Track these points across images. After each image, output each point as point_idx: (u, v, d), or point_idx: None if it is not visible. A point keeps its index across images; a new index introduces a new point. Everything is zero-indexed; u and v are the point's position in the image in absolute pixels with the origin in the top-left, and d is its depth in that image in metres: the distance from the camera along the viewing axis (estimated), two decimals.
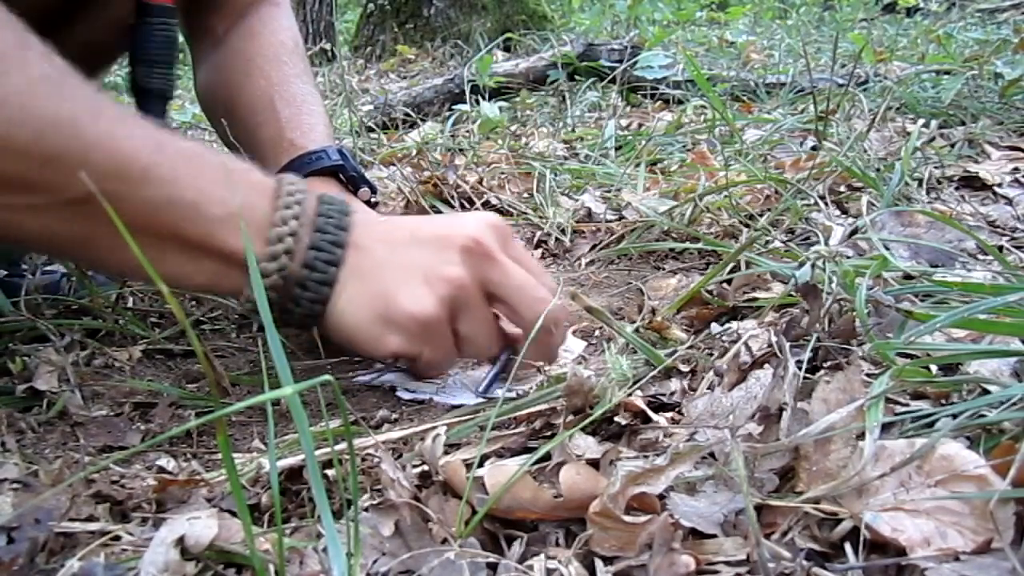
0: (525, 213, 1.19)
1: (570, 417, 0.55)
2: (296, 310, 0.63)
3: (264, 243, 0.61)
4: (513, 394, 0.65)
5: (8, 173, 0.56)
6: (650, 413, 0.56)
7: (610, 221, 1.13)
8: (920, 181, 1.08)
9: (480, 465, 0.50)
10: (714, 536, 0.44)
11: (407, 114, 1.99)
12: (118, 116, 0.60)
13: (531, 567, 0.43)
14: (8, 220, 0.58)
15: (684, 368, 0.64)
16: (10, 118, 0.54)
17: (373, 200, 0.88)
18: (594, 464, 0.50)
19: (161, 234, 0.60)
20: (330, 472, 0.52)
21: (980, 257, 0.82)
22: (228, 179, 0.62)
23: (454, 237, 0.64)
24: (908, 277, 0.72)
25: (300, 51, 0.99)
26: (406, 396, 0.70)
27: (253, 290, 0.60)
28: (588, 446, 0.52)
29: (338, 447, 0.55)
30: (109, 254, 0.61)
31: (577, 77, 2.19)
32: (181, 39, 0.98)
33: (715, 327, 0.71)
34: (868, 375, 0.53)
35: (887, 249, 0.73)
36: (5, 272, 0.91)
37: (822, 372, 0.54)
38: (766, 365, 0.59)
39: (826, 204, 1.01)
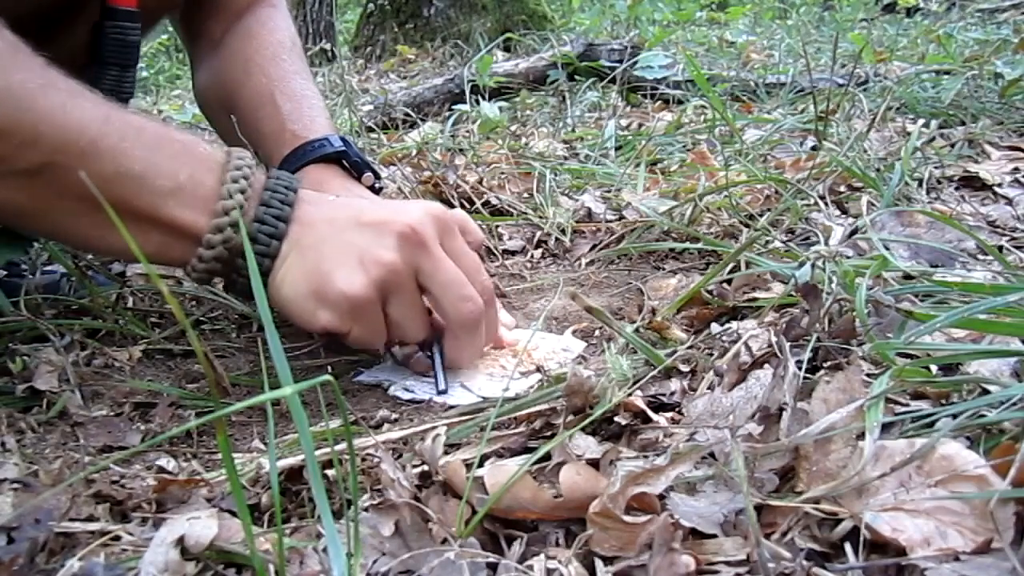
0: (525, 213, 1.19)
1: (570, 417, 0.55)
2: (239, 280, 0.66)
3: (211, 215, 0.63)
4: (512, 394, 0.65)
5: None
6: (650, 413, 0.56)
7: (610, 221, 1.13)
8: (920, 181, 1.08)
9: (480, 465, 0.50)
10: (714, 536, 0.44)
11: (407, 114, 1.99)
12: (68, 89, 0.61)
13: (531, 567, 0.43)
14: None
15: (684, 368, 0.64)
16: None
17: (377, 185, 0.89)
18: (594, 464, 0.50)
19: (110, 206, 0.60)
20: (330, 472, 0.52)
21: (980, 257, 0.82)
22: (176, 152, 0.64)
23: (394, 223, 0.66)
24: (908, 277, 0.72)
25: (298, 50, 1.00)
26: (405, 396, 0.70)
27: (199, 261, 0.63)
28: (588, 446, 0.52)
29: (338, 447, 0.55)
30: (60, 225, 0.64)
31: (577, 77, 2.19)
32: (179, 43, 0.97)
33: (715, 327, 0.71)
34: (868, 375, 0.53)
35: (887, 249, 0.73)
36: (5, 272, 0.91)
37: (822, 372, 0.54)
38: (766, 365, 0.59)
39: (826, 204, 1.01)
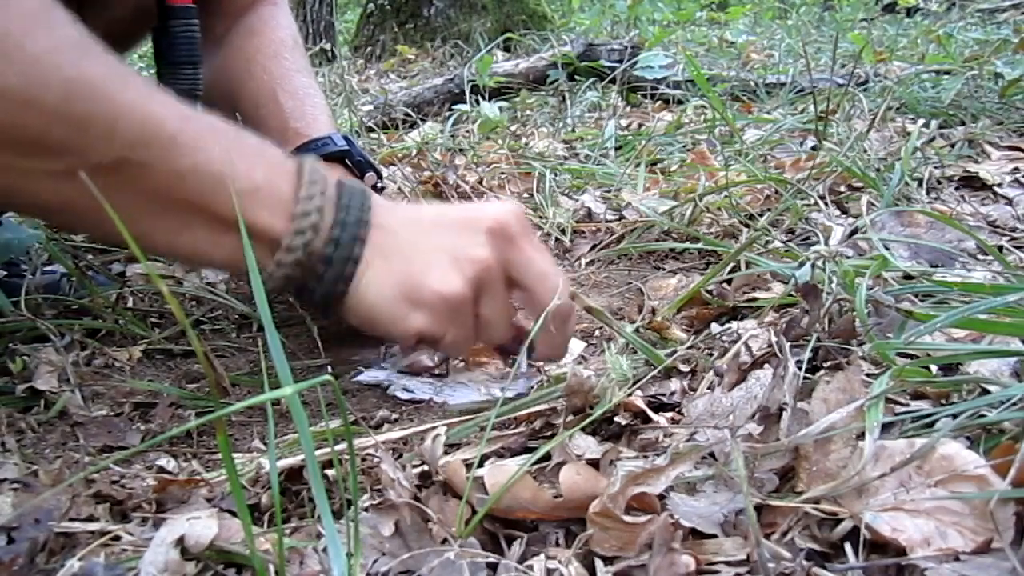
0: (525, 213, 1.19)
1: (570, 417, 0.55)
2: (317, 288, 0.62)
3: (289, 219, 0.61)
4: (512, 394, 0.65)
5: (31, 135, 0.54)
6: (650, 413, 0.56)
7: (610, 221, 1.13)
8: (920, 181, 1.08)
9: (480, 465, 0.50)
10: (714, 536, 0.44)
11: (407, 114, 1.99)
12: (144, 83, 0.59)
13: (531, 567, 0.43)
14: (23, 187, 0.56)
15: (684, 368, 0.64)
16: (39, 77, 0.53)
17: (379, 185, 0.89)
18: (594, 464, 0.50)
19: (185, 206, 0.59)
20: (330, 472, 0.52)
21: (980, 257, 0.82)
22: (252, 153, 0.62)
23: (481, 220, 0.64)
24: (908, 277, 0.72)
25: (300, 48, 1.00)
26: (404, 396, 0.70)
27: (277, 267, 0.60)
28: (588, 446, 0.52)
29: (338, 447, 0.55)
30: (127, 224, 0.59)
31: (577, 77, 2.19)
32: None
33: (715, 327, 0.71)
34: (868, 375, 0.53)
35: (887, 249, 0.73)
36: (5, 272, 0.91)
37: (822, 372, 0.54)
38: (766, 365, 0.59)
39: (826, 204, 1.01)
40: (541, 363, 0.71)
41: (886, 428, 0.48)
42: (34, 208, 0.62)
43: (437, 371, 0.74)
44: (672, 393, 0.61)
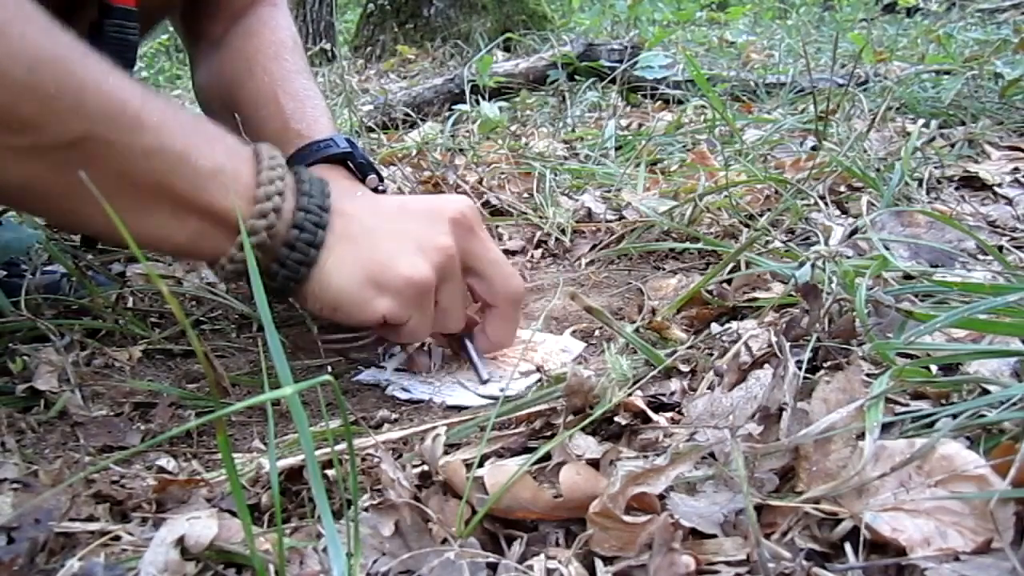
0: (525, 213, 1.19)
1: (570, 417, 0.55)
2: (280, 271, 0.63)
3: (251, 201, 0.61)
4: (513, 392, 0.65)
5: (0, 110, 0.53)
6: (650, 413, 0.56)
7: (610, 221, 1.13)
8: (920, 181, 1.08)
9: (480, 465, 0.50)
10: (714, 536, 0.44)
11: (407, 114, 1.99)
12: (104, 62, 0.59)
13: (531, 567, 0.43)
14: None
15: (684, 368, 0.64)
16: (7, 50, 0.52)
17: (380, 188, 0.89)
18: (594, 464, 0.50)
19: (147, 185, 0.58)
20: (330, 472, 0.52)
21: (980, 257, 0.82)
22: (211, 135, 0.62)
23: (444, 210, 0.67)
24: (908, 277, 0.72)
25: (299, 49, 1.00)
26: (403, 396, 0.70)
27: (238, 250, 0.60)
28: (588, 446, 0.52)
29: (338, 447, 0.55)
30: (86, 209, 0.59)
31: (577, 77, 2.19)
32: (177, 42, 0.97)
33: (715, 327, 0.71)
34: (868, 375, 0.53)
35: (887, 249, 0.73)
36: (5, 272, 0.91)
37: (822, 372, 0.54)
38: (766, 365, 0.59)
39: (826, 204, 1.01)
40: (494, 352, 0.74)
41: (886, 428, 0.48)
42: (2, 190, 0.61)
43: (435, 372, 0.74)
44: (672, 393, 0.61)
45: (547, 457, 0.51)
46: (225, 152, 0.62)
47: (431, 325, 0.68)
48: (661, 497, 0.46)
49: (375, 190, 0.88)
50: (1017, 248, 0.88)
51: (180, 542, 0.44)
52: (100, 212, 0.58)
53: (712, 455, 0.50)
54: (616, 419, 0.55)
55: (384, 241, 0.65)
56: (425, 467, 0.53)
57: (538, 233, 1.13)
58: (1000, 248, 0.86)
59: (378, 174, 0.89)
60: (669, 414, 0.58)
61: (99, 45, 0.84)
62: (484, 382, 0.70)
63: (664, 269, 0.98)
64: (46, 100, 0.54)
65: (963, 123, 1.46)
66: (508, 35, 3.30)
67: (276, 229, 0.62)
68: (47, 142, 0.55)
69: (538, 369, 0.71)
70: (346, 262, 0.64)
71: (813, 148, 1.32)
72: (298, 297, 0.66)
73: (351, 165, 0.87)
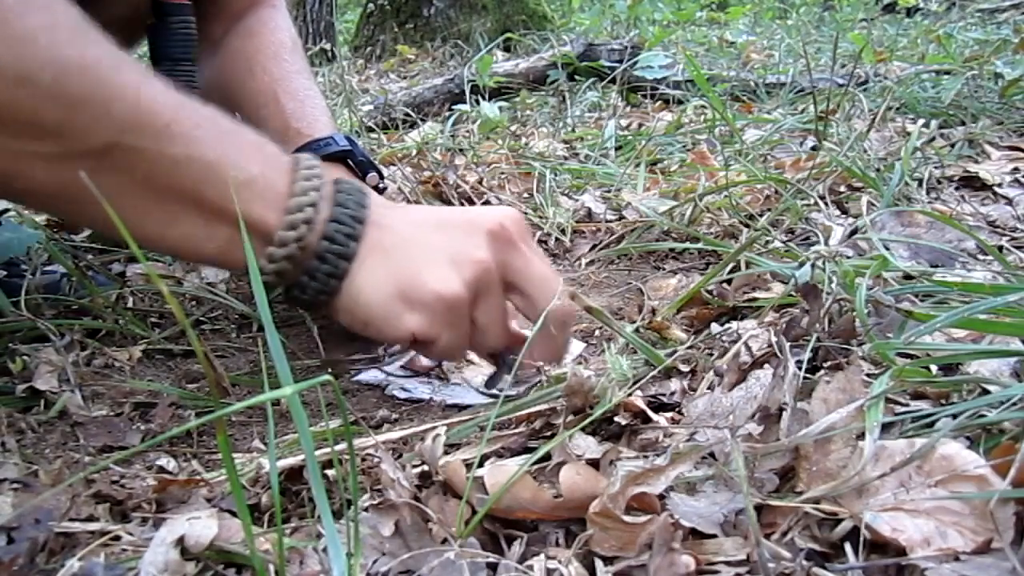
0: (525, 213, 1.19)
1: (570, 417, 0.55)
2: (311, 284, 0.61)
3: (283, 212, 0.59)
4: (513, 392, 0.65)
5: (26, 115, 0.53)
6: (650, 413, 0.56)
7: (610, 221, 1.13)
8: (920, 181, 1.08)
9: (480, 465, 0.50)
10: (714, 536, 0.44)
11: (407, 114, 1.99)
12: (139, 69, 0.58)
13: (531, 567, 0.43)
14: (17, 170, 0.55)
15: (684, 368, 0.64)
16: (34, 56, 0.52)
17: (381, 186, 0.89)
18: (594, 464, 0.50)
19: (177, 194, 0.58)
20: (330, 472, 0.52)
21: (980, 257, 0.82)
22: (247, 145, 0.61)
23: (482, 221, 0.63)
24: (908, 277, 0.72)
25: (299, 50, 1.00)
26: (403, 396, 0.70)
27: (268, 262, 0.59)
28: (588, 446, 0.52)
29: (338, 447, 0.55)
30: (118, 212, 0.56)
31: (577, 77, 2.19)
32: None
33: (715, 327, 0.71)
34: (868, 375, 0.53)
35: (887, 249, 0.73)
36: (5, 272, 0.91)
37: (822, 372, 0.54)
38: (766, 365, 0.59)
39: (826, 204, 1.01)
40: (540, 364, 0.71)
41: (886, 428, 0.48)
42: (28, 195, 0.60)
43: (435, 372, 0.74)
44: (672, 393, 0.61)
45: (547, 457, 0.51)
46: (261, 162, 0.61)
47: (466, 342, 0.65)
48: (661, 497, 0.46)
49: (376, 187, 0.88)
50: (1017, 248, 0.88)
51: (180, 542, 0.44)
52: (136, 219, 0.58)
53: (712, 455, 0.50)
54: (616, 419, 0.55)
55: (416, 254, 0.62)
56: (425, 467, 0.53)
57: (538, 233, 1.13)
58: (1000, 248, 0.86)
59: (378, 171, 0.89)
60: (669, 414, 0.58)
61: (167, 42, 0.84)
62: (482, 389, 0.68)
63: (664, 269, 0.98)
64: (72, 108, 0.53)
65: (963, 123, 1.46)
66: (508, 35, 3.30)
67: (307, 241, 0.60)
68: (74, 149, 0.55)
69: (538, 369, 0.71)
70: (377, 275, 0.61)
71: (813, 148, 1.33)
72: (331, 311, 0.64)
73: (351, 163, 0.87)
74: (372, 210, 0.63)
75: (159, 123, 0.56)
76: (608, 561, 0.43)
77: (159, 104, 0.56)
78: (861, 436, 0.46)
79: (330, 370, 0.77)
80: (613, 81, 2.02)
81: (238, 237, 0.59)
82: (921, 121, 1.40)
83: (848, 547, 0.42)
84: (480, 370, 0.73)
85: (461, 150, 1.54)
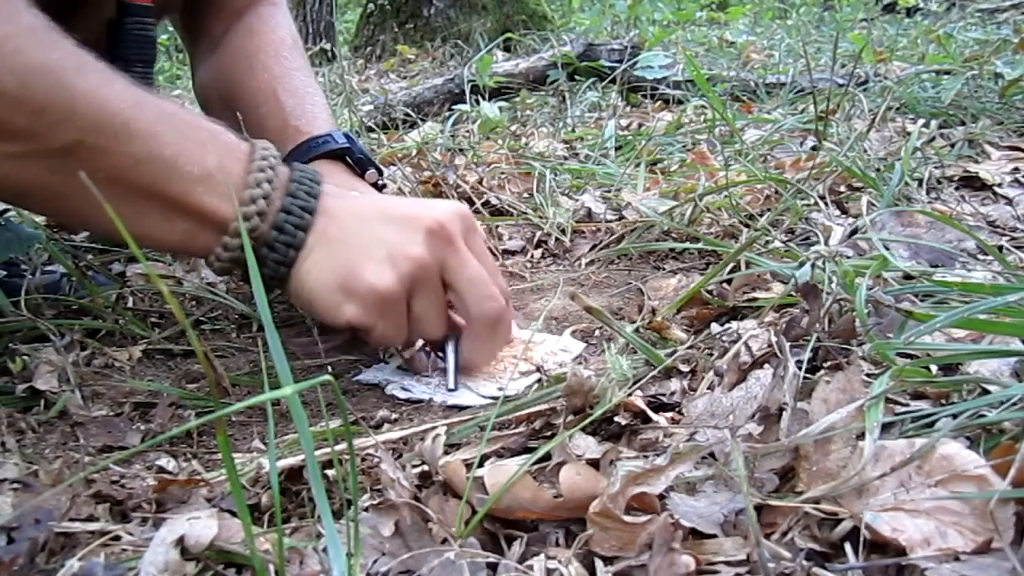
0: (525, 213, 1.19)
1: (570, 417, 0.55)
2: (261, 271, 0.65)
3: (238, 203, 0.63)
4: (513, 394, 0.65)
5: None
6: (650, 413, 0.56)
7: (610, 221, 1.13)
8: (920, 181, 1.08)
9: (480, 465, 0.50)
10: (714, 536, 0.44)
11: (407, 114, 1.99)
12: (101, 70, 0.61)
13: (531, 567, 0.43)
14: None
15: (684, 368, 0.64)
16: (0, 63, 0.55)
17: (380, 182, 0.89)
18: (594, 464, 0.50)
19: (138, 190, 0.61)
20: (330, 472, 0.52)
21: (980, 257, 0.82)
22: (204, 139, 0.64)
23: (422, 218, 0.66)
24: (908, 277, 0.72)
25: (299, 48, 1.00)
26: (403, 396, 0.70)
27: (224, 250, 0.63)
28: (588, 446, 0.52)
29: (338, 447, 0.55)
30: (85, 209, 0.62)
31: (577, 77, 2.19)
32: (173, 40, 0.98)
33: (715, 327, 0.71)
34: (868, 375, 0.53)
35: (887, 249, 0.73)
36: (5, 272, 0.91)
37: (822, 372, 0.54)
38: (766, 365, 0.59)
39: (826, 204, 1.01)
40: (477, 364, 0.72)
41: (886, 428, 0.48)
42: (1, 191, 0.64)
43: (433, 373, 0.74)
44: (672, 393, 0.61)
45: (547, 457, 0.51)
46: (218, 153, 0.64)
47: (404, 332, 0.68)
48: (661, 497, 0.46)
49: (375, 184, 0.88)
50: (1017, 248, 0.88)
51: (180, 542, 0.44)
52: (96, 214, 0.61)
53: (712, 455, 0.50)
54: (616, 419, 0.55)
55: (358, 246, 0.65)
56: (425, 467, 0.53)
57: (538, 233, 1.13)
58: (1000, 248, 0.86)
59: (377, 168, 0.89)
60: (669, 414, 0.58)
61: (120, 43, 0.84)
62: (450, 390, 0.68)
63: (664, 269, 0.98)
64: (38, 111, 0.57)
65: (963, 123, 1.46)
66: (508, 35, 3.30)
67: (259, 231, 0.64)
68: (41, 149, 0.58)
69: (538, 369, 0.71)
70: (320, 265, 0.65)
71: (813, 148, 1.32)
72: (284, 293, 0.68)
73: (349, 160, 0.88)
74: (323, 200, 0.67)
75: (118, 123, 0.59)
76: (608, 561, 0.43)
77: (119, 104, 0.60)
78: (861, 436, 0.46)
79: (331, 370, 0.77)
80: (613, 81, 2.02)
81: (195, 228, 0.64)
82: (921, 121, 1.40)
83: (848, 547, 0.42)
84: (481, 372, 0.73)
85: (461, 150, 1.54)
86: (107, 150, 0.59)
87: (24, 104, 0.56)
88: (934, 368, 0.55)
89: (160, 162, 0.60)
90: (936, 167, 1.15)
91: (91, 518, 0.49)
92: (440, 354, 0.72)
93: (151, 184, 0.61)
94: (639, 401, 0.56)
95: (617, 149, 1.53)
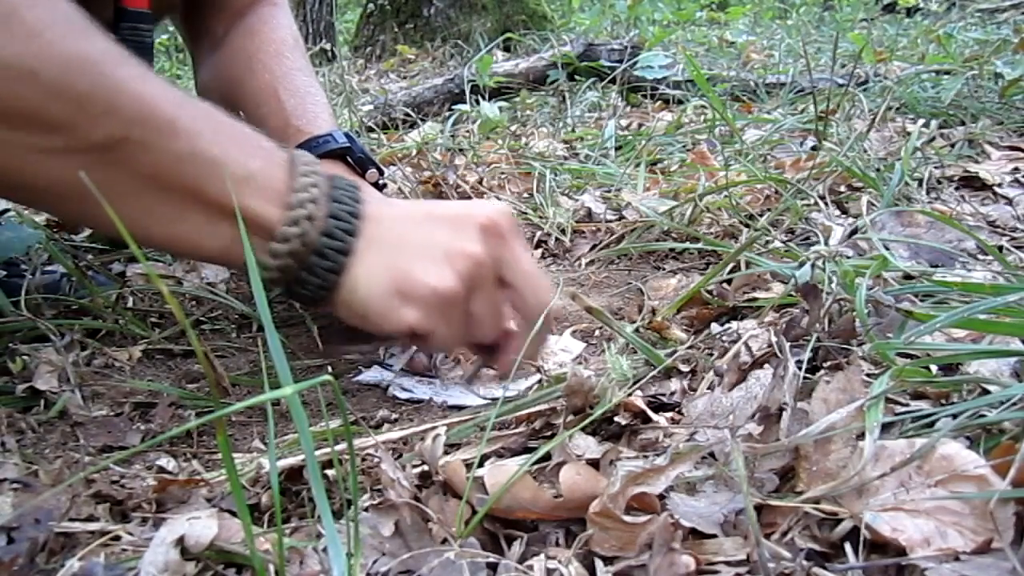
0: (525, 213, 1.19)
1: (570, 417, 0.55)
2: (311, 280, 0.61)
3: (285, 208, 0.60)
4: (513, 392, 0.65)
5: (31, 109, 0.53)
6: (650, 413, 0.56)
7: (610, 221, 1.13)
8: (920, 181, 1.08)
9: (480, 465, 0.50)
10: (714, 536, 0.44)
11: (407, 114, 1.99)
12: (140, 65, 0.58)
13: (531, 567, 0.43)
14: (22, 164, 0.55)
15: (684, 368, 0.64)
16: (38, 51, 0.52)
17: (381, 182, 0.89)
18: (594, 464, 0.50)
19: (181, 190, 0.58)
20: (330, 472, 0.52)
21: (980, 257, 0.82)
22: (246, 141, 0.61)
23: (473, 216, 0.64)
24: (908, 277, 0.72)
25: (300, 47, 1.00)
26: (402, 395, 0.70)
27: (271, 258, 0.60)
28: (588, 446, 0.52)
29: (338, 447, 0.55)
30: (123, 211, 0.56)
31: (577, 77, 2.19)
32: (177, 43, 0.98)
33: (715, 327, 0.71)
34: (868, 375, 0.53)
35: (887, 249, 0.73)
36: (5, 272, 0.91)
37: (822, 372, 0.54)
38: (766, 365, 0.59)
39: (826, 204, 1.01)
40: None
41: (886, 428, 0.48)
42: (31, 192, 0.60)
43: (432, 372, 0.74)
44: (672, 393, 0.61)
45: (547, 457, 0.51)
46: (261, 157, 0.61)
47: (462, 335, 0.65)
48: (661, 497, 0.46)
49: (376, 184, 0.88)
50: (1017, 248, 0.88)
51: (180, 542, 0.44)
52: (140, 215, 0.58)
53: (712, 455, 0.50)
54: (616, 419, 0.55)
55: (411, 249, 0.63)
56: (425, 467, 0.53)
57: (538, 233, 1.14)
58: (1000, 248, 0.86)
59: (378, 168, 0.89)
60: (669, 414, 0.58)
61: None
62: (469, 386, 0.68)
63: (664, 269, 0.98)
64: (78, 102, 0.54)
65: (963, 123, 1.46)
66: (508, 35, 3.30)
67: (308, 237, 0.60)
68: (80, 144, 0.55)
69: (538, 369, 0.71)
70: (374, 271, 0.62)
71: (813, 148, 1.32)
72: (330, 305, 0.64)
73: (350, 160, 0.88)
74: (367, 205, 0.64)
75: (163, 118, 0.56)
76: (608, 561, 0.43)
77: (162, 99, 0.57)
78: (861, 436, 0.46)
79: (331, 370, 0.77)
80: (613, 81, 2.02)
81: (240, 234, 0.59)
82: (921, 121, 1.40)
83: (848, 547, 0.42)
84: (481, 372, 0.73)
85: (461, 150, 1.54)
86: (151, 146, 0.56)
87: (64, 94, 0.53)
88: (934, 368, 0.55)
89: (204, 161, 0.57)
90: (936, 167, 1.15)
91: (91, 518, 0.49)
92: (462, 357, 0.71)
93: (194, 184, 0.57)
94: (639, 401, 0.56)
95: (617, 149, 1.53)
